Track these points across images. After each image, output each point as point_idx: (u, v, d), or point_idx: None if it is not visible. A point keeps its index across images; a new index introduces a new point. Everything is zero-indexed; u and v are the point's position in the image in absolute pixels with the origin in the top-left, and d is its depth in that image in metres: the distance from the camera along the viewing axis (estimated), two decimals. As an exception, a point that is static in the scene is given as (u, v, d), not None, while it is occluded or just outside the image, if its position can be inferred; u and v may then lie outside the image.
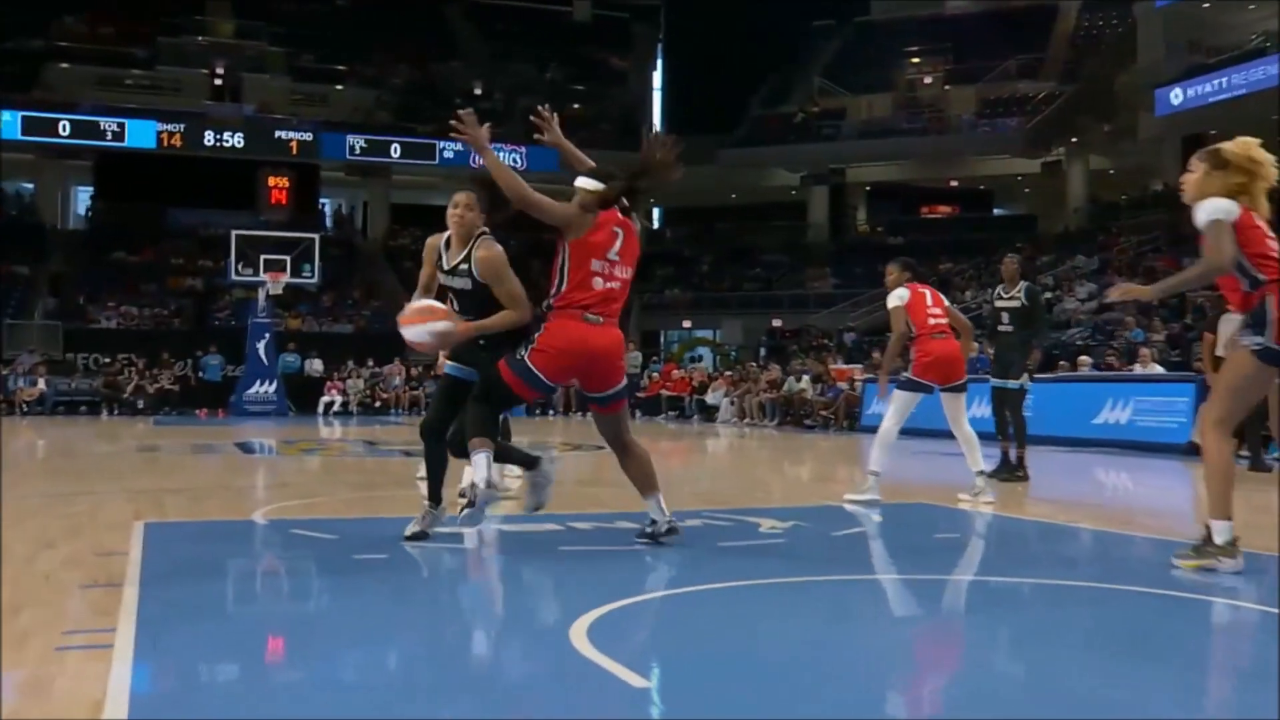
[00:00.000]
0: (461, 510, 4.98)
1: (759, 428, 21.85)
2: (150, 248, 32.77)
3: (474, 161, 34.07)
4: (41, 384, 23.61)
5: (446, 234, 5.19)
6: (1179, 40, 29.62)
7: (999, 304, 9.51)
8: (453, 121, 5.05)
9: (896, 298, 7.65)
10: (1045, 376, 13.40)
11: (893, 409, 7.47)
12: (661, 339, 35.59)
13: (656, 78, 41.60)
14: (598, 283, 4.89)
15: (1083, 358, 17.76)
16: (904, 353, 7.69)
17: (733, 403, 24.77)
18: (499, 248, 5.10)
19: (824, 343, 28.23)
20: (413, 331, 4.89)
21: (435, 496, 5.29)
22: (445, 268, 5.14)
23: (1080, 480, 10.20)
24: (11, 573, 4.31)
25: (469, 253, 5.07)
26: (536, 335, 4.89)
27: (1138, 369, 15.26)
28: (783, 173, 37.40)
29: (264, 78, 35.19)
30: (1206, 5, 28.66)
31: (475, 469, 4.90)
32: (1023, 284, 9.53)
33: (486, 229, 5.15)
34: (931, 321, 7.60)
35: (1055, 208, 33.98)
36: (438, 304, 5.03)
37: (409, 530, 5.20)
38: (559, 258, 4.95)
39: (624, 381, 5.15)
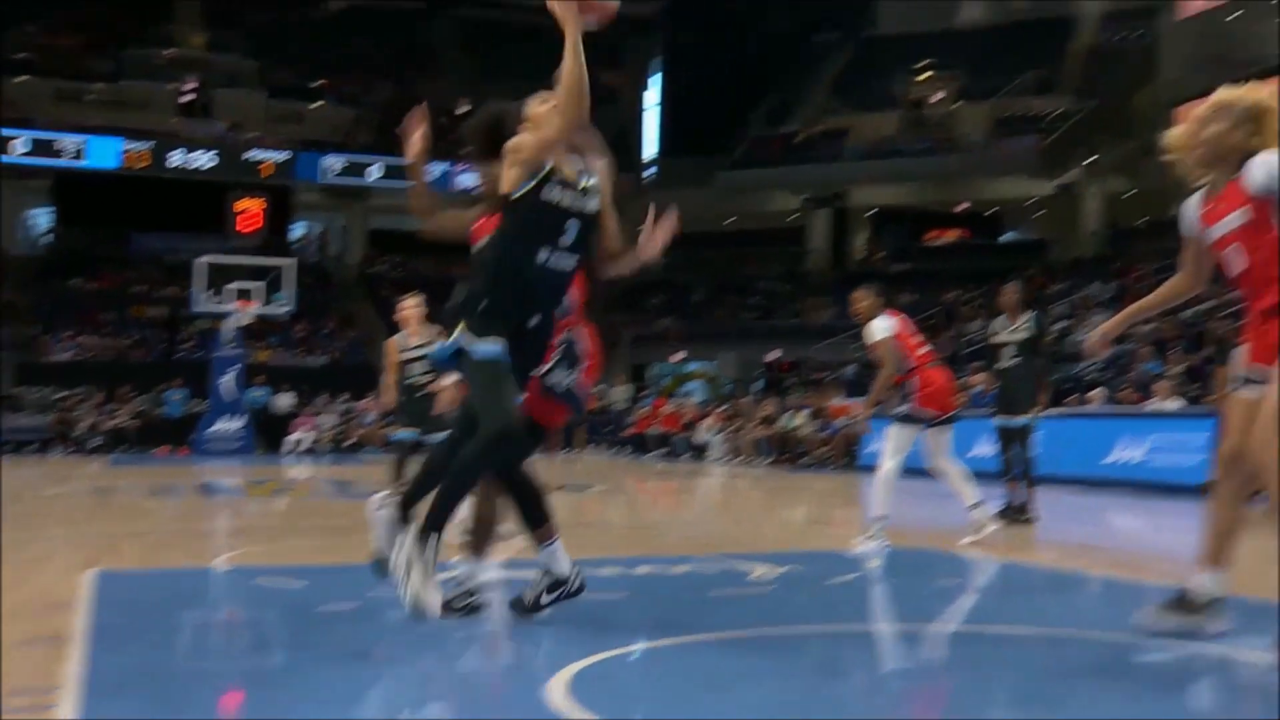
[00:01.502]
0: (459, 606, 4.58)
1: (752, 466, 22.14)
2: (111, 274, 32.99)
3: (456, 184, 34.66)
4: (-15, 422, 23.60)
5: None
6: (1204, 55, 30.03)
7: (1003, 337, 9.55)
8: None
9: (883, 329, 7.71)
10: (1054, 412, 13.49)
11: (891, 447, 7.56)
12: (651, 371, 35.75)
13: (650, 96, 42.58)
14: None
15: (1094, 392, 17.86)
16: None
17: (725, 440, 25.17)
18: None
19: (823, 376, 28.37)
20: None
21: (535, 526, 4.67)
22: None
23: (1091, 523, 10.26)
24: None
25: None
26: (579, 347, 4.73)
27: (1154, 403, 15.33)
28: (782, 196, 38.00)
29: (237, 93, 35.69)
30: (1233, 18, 29.38)
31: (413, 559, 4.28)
32: (1029, 313, 9.59)
33: None
34: (924, 350, 7.75)
35: (1069, 232, 34.47)
36: None
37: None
38: None
39: None
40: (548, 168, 4.43)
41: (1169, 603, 4.26)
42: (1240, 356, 4.46)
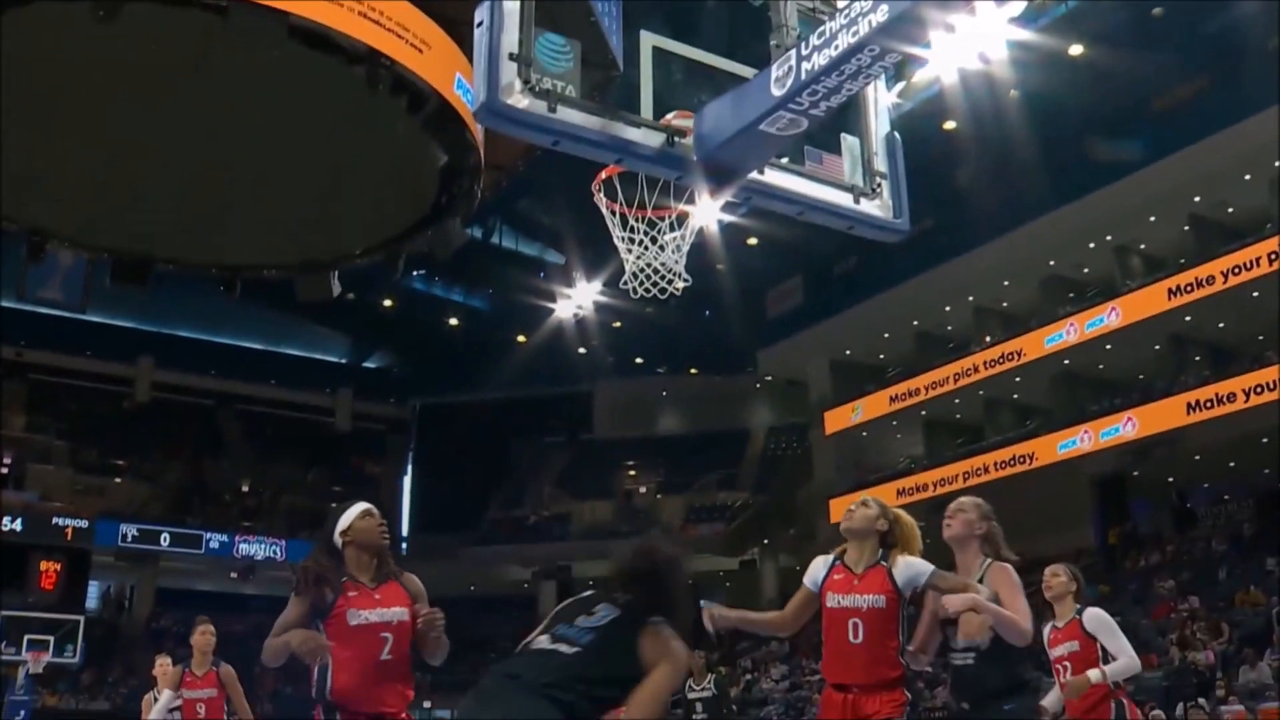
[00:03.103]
0: None
1: None
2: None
3: (236, 553, 41.39)
4: None
5: None
6: (845, 462, 37.77)
7: (690, 696, 10.80)
8: None
9: None
10: None
11: None
12: (401, 724, 41.63)
13: (406, 482, 48.45)
14: None
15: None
16: None
17: None
18: None
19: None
20: None
21: None
22: None
23: None
24: None
25: None
26: None
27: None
28: (516, 568, 44.38)
29: (48, 468, 40.32)
30: (865, 435, 37.66)
31: None
32: (710, 676, 11.12)
33: None
34: None
35: (752, 598, 39.66)
36: None
37: None
38: None
39: None
40: None
41: None
42: None
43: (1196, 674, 19.58)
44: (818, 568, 5.68)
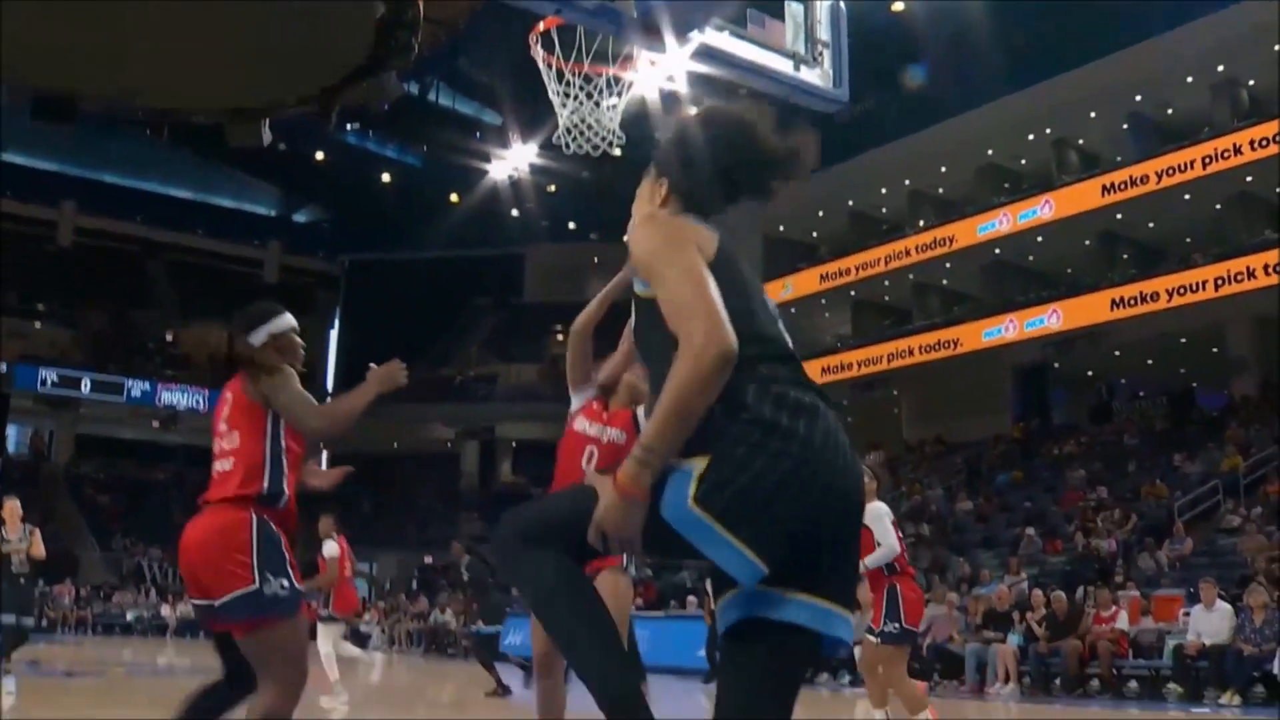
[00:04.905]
0: None
1: (407, 654, 25.82)
2: None
3: (158, 401, 41.25)
4: None
5: None
6: None
7: None
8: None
9: (332, 549, 11.45)
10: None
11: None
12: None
13: (334, 336, 48.53)
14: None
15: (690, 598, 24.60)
16: None
17: (384, 631, 29.26)
18: None
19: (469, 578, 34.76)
20: None
21: None
22: None
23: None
24: None
25: None
26: None
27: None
28: (440, 427, 45.00)
29: None
30: (794, 311, 37.70)
31: None
32: None
33: None
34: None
35: None
36: None
37: None
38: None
39: (233, 591, 3.99)
40: None
41: None
42: None
43: (1099, 560, 20.19)
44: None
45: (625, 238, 2.86)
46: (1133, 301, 26.57)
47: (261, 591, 3.98)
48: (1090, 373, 32.47)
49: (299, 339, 4.65)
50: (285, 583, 4.05)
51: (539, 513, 2.76)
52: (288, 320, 4.64)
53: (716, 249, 2.72)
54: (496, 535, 2.71)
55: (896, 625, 7.93)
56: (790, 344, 2.79)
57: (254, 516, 4.11)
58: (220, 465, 4.25)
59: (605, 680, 2.57)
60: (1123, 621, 16.05)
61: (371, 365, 4.55)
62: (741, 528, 2.47)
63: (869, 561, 7.90)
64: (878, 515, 7.98)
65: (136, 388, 40.76)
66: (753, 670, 2.63)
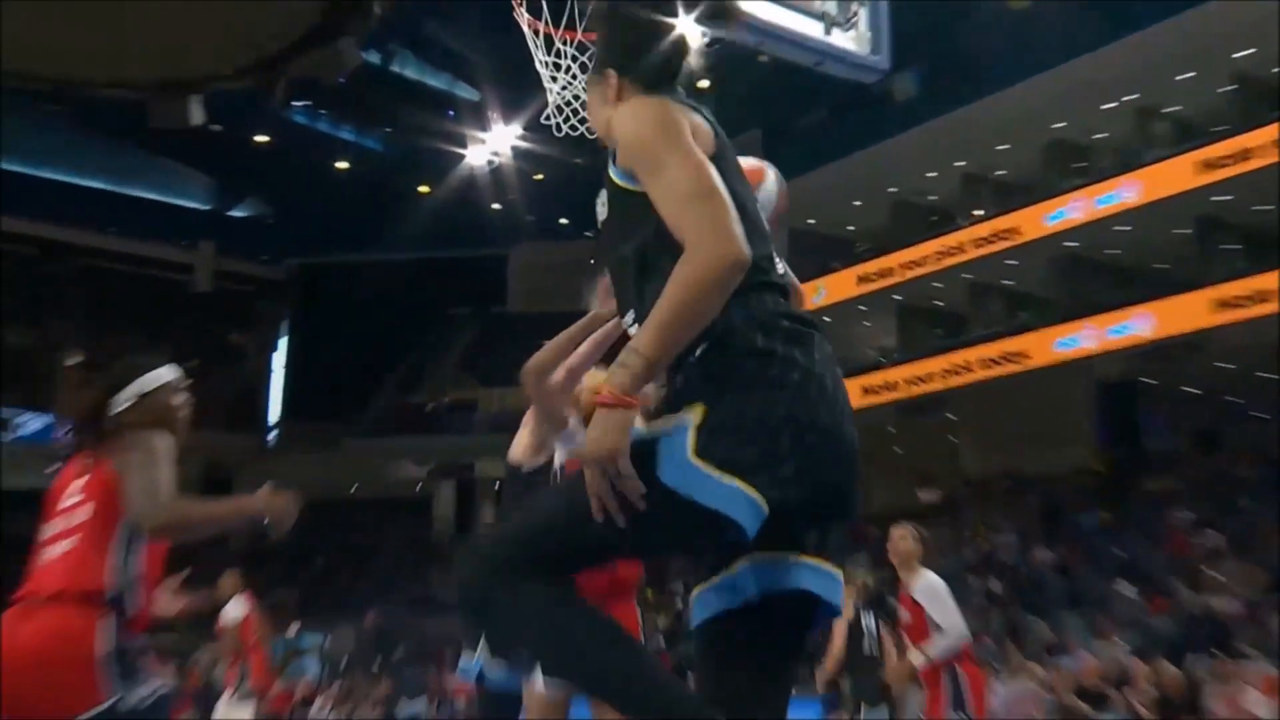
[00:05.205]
0: None
1: None
2: None
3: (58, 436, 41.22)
4: None
5: None
6: None
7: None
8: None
9: (236, 611, 12.00)
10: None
11: None
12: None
13: (279, 357, 48.10)
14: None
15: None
16: None
17: None
18: None
19: (445, 652, 31.08)
20: None
21: None
22: None
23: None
24: None
25: None
26: None
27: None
28: (409, 466, 44.33)
29: None
30: (829, 320, 36.70)
31: None
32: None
33: None
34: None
35: None
36: None
37: None
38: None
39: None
40: None
41: None
42: None
43: (1214, 622, 19.68)
44: None
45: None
46: (1240, 302, 26.34)
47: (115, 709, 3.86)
48: (1191, 390, 32.18)
49: (180, 395, 4.61)
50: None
51: (505, 534, 2.78)
52: (161, 375, 4.59)
53: (715, 143, 2.83)
54: (458, 578, 2.70)
55: (963, 716, 7.89)
56: (785, 270, 3.01)
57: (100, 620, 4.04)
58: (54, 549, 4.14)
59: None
60: (1255, 703, 15.41)
61: (268, 489, 4.56)
62: (744, 469, 2.60)
63: (933, 653, 7.89)
64: (934, 592, 7.98)
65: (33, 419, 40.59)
66: (753, 654, 2.75)
